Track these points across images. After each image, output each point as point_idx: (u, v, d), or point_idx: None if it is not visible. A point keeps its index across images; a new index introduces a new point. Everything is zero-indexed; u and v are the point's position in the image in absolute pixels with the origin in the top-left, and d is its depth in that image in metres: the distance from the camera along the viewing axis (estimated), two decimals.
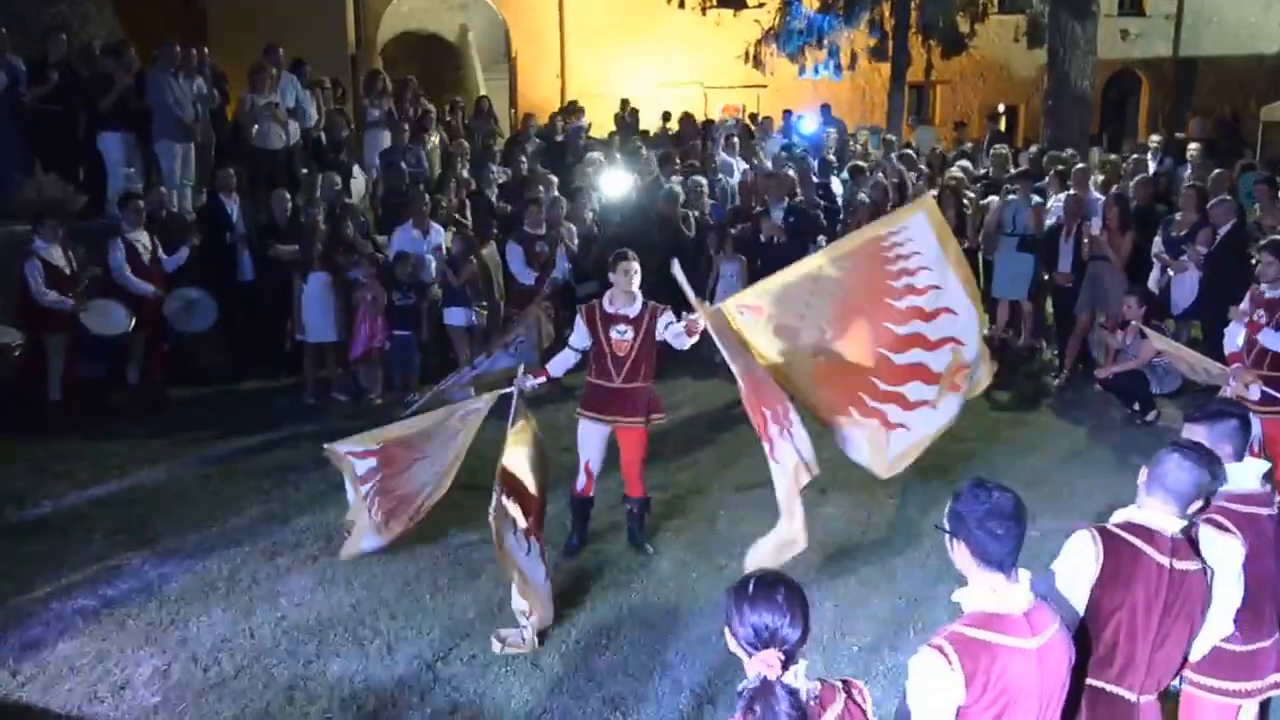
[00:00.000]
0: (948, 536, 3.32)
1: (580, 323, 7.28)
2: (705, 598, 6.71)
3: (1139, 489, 3.77)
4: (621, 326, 7.11)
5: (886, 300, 6.02)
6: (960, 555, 3.31)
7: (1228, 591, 3.92)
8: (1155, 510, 3.69)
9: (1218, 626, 3.95)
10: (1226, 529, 3.98)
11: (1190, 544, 3.74)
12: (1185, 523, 3.71)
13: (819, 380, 6.13)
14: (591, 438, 7.34)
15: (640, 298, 7.20)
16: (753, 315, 6.13)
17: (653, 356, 7.26)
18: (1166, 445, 3.80)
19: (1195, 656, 4.01)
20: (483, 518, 7.73)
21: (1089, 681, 3.65)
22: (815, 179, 14.40)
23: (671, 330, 7.01)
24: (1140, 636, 3.60)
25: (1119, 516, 3.77)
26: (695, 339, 6.77)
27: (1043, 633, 3.20)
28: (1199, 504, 3.73)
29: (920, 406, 6.05)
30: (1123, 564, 3.60)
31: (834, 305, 6.08)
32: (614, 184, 13.77)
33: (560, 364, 7.33)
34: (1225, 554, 3.92)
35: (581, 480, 7.41)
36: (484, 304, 11.68)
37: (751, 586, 2.90)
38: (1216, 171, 13.09)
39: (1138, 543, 3.62)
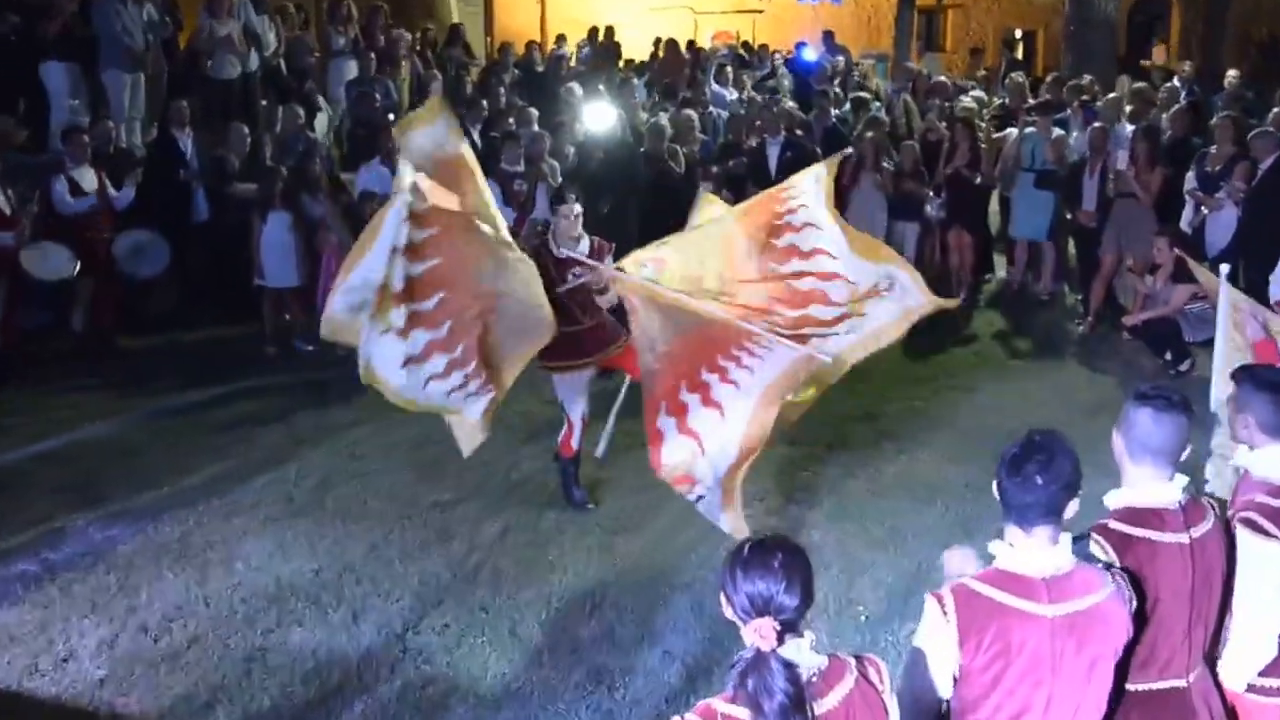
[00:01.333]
0: None
1: None
2: (697, 561, 6.62)
3: (1122, 462, 3.53)
4: (578, 269, 7.12)
5: (771, 240, 6.14)
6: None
7: (1269, 599, 3.64)
8: (1150, 482, 3.46)
9: (1260, 654, 3.69)
10: (1268, 532, 3.69)
11: (1196, 504, 3.52)
12: (1185, 480, 3.48)
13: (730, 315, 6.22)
14: (578, 388, 7.34)
15: (586, 236, 7.29)
16: (655, 267, 6.29)
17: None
18: (1131, 401, 3.53)
19: (1237, 686, 3.75)
20: (454, 476, 7.70)
21: (1132, 687, 3.43)
22: (832, 110, 14.21)
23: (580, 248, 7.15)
24: (1178, 625, 3.42)
25: (1114, 501, 3.51)
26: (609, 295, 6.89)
27: (1069, 601, 3.06)
28: (1188, 451, 3.49)
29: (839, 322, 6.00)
30: (1144, 567, 3.37)
31: (728, 252, 6.24)
32: (598, 118, 13.59)
33: None
34: (1266, 562, 3.64)
35: (577, 438, 7.40)
36: None
37: (747, 550, 2.83)
38: (1275, 111, 12.93)
39: (1152, 535, 3.40)
